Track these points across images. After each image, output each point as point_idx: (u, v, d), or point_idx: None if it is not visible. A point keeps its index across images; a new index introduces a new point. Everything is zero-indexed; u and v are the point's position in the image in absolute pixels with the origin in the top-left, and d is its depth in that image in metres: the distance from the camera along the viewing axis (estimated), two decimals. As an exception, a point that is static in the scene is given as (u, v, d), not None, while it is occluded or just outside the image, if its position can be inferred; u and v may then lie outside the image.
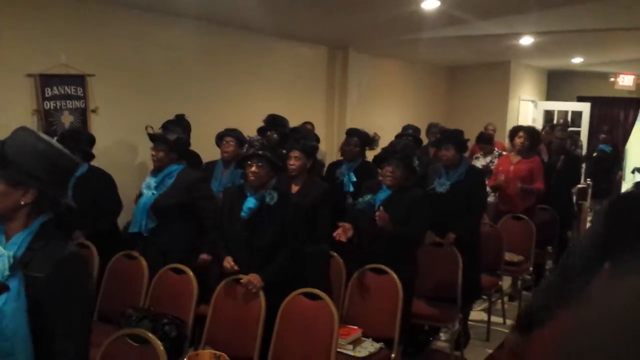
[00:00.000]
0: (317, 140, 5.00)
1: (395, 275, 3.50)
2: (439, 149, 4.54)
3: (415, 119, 7.05)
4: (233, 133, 4.59)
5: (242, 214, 3.27)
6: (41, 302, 1.60)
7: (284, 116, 5.19)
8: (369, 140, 4.94)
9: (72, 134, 4.03)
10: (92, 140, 4.14)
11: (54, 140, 1.75)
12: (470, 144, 6.65)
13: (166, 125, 4.26)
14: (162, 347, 2.36)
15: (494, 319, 4.82)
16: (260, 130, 4.87)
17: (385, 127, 6.09)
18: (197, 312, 3.38)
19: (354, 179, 4.75)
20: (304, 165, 3.90)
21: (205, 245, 3.72)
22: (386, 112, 7.86)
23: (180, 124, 4.45)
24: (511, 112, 9.40)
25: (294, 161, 3.87)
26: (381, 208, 3.48)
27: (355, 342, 3.32)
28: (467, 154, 5.68)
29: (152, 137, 3.83)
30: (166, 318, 3.23)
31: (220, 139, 4.64)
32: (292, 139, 4.09)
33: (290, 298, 3.09)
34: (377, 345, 3.37)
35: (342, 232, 3.50)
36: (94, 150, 4.10)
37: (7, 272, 1.58)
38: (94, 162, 4.05)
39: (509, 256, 5.08)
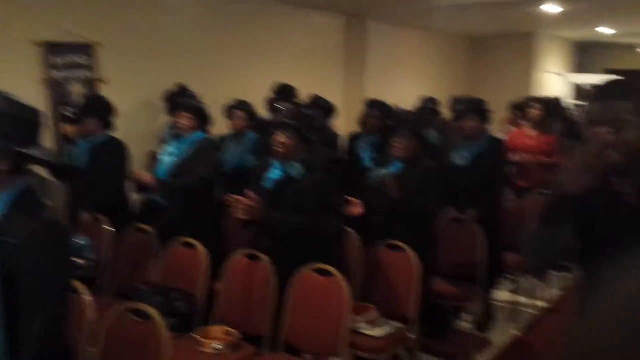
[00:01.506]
0: (329, 109, 4.82)
1: (412, 253, 3.35)
2: (463, 119, 4.34)
3: (436, 91, 6.83)
4: (243, 106, 4.44)
5: (266, 185, 3.14)
6: (14, 270, 1.51)
7: (300, 87, 5.02)
8: (390, 112, 4.76)
9: (93, 100, 4.08)
10: (111, 109, 4.09)
11: (7, 93, 1.62)
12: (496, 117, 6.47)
13: (169, 97, 4.15)
14: (163, 322, 2.24)
15: (520, 299, 4.66)
16: (270, 101, 4.71)
17: (406, 99, 5.89)
18: (210, 288, 3.29)
19: (373, 154, 4.58)
20: None
21: None
22: (406, 83, 7.64)
23: (183, 94, 4.32)
24: (535, 85, 9.10)
25: None
26: (390, 175, 3.33)
27: (372, 321, 3.19)
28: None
29: (178, 104, 3.75)
30: (177, 293, 3.14)
31: (229, 111, 4.50)
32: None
33: (301, 274, 2.96)
34: (395, 325, 3.23)
35: (352, 208, 3.35)
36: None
37: None
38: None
39: (533, 234, 4.88)
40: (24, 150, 1.59)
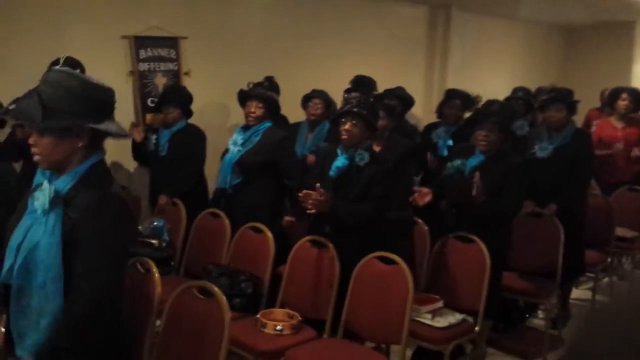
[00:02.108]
0: (409, 101, 4.75)
1: (482, 245, 3.26)
2: (548, 109, 4.13)
3: (525, 83, 6.54)
4: (320, 94, 4.49)
5: (331, 172, 3.16)
6: (74, 238, 1.62)
7: (380, 79, 4.99)
8: (470, 102, 4.63)
9: (174, 90, 4.29)
10: (191, 98, 4.28)
11: (81, 73, 1.74)
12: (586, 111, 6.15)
13: (255, 87, 4.25)
14: (225, 300, 2.32)
15: (599, 297, 4.40)
16: (346, 92, 4.72)
17: (492, 91, 5.67)
18: (275, 272, 3.37)
19: (451, 143, 4.48)
20: (386, 125, 3.71)
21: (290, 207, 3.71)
22: (492, 75, 7.37)
23: (270, 85, 4.43)
24: (636, 78, 8.48)
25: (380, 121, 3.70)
26: (477, 174, 3.21)
27: (435, 312, 3.14)
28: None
29: (249, 93, 3.85)
30: (244, 275, 3.24)
31: (307, 100, 4.56)
32: (376, 98, 3.93)
33: (365, 261, 2.97)
34: (459, 317, 3.16)
35: (419, 197, 3.29)
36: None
37: (47, 206, 1.63)
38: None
39: (621, 231, 4.60)
40: (98, 127, 1.69)
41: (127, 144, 4.16)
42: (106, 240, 1.65)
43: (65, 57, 3.47)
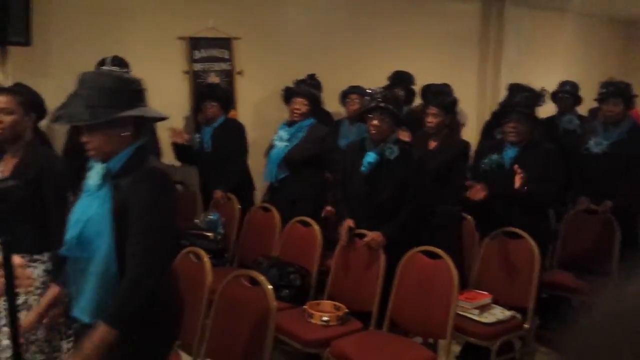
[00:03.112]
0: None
1: (532, 241, 3.22)
2: (605, 103, 4.03)
3: (582, 77, 6.36)
4: (357, 90, 4.53)
5: (362, 168, 3.21)
6: (123, 208, 1.78)
7: (431, 76, 4.98)
8: (535, 97, 4.53)
9: (211, 86, 4.44)
10: (227, 94, 4.45)
11: (109, 68, 1.88)
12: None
13: (299, 84, 4.35)
14: (271, 289, 2.41)
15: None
16: (386, 89, 4.74)
17: (547, 86, 5.56)
18: (323, 265, 3.45)
19: None
20: (442, 121, 3.71)
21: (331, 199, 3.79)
22: (547, 70, 7.19)
23: (312, 83, 4.50)
24: None
25: (432, 118, 3.70)
26: (516, 166, 3.20)
27: (483, 308, 3.13)
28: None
29: (295, 91, 3.96)
30: (292, 267, 3.33)
31: (344, 97, 4.63)
32: (430, 95, 3.94)
33: (410, 255, 2.99)
34: (508, 313, 3.14)
35: (474, 192, 3.28)
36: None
37: (98, 182, 1.81)
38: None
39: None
40: (136, 114, 1.85)
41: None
42: (153, 207, 1.79)
43: (112, 56, 3.65)
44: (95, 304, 1.79)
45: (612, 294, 0.73)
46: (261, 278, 2.47)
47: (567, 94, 5.00)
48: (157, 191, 1.81)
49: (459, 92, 5.20)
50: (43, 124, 3.02)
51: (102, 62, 3.61)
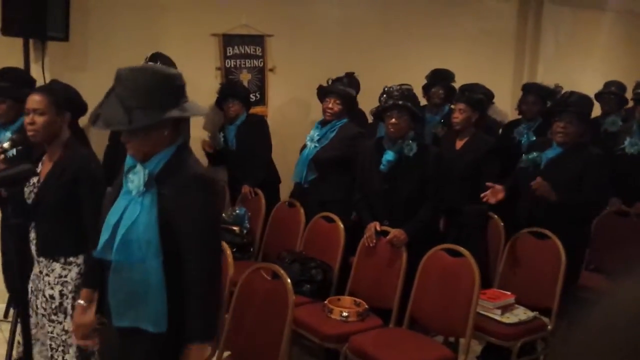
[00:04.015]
0: (489, 96, 4.65)
1: (558, 241, 3.17)
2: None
3: (623, 77, 6.19)
4: None
5: (381, 167, 3.21)
6: (170, 216, 1.75)
7: (467, 74, 4.91)
8: (549, 94, 4.46)
9: (231, 84, 4.52)
10: (248, 91, 4.50)
11: (147, 65, 1.84)
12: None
13: (334, 83, 4.35)
14: (290, 283, 2.45)
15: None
16: (425, 87, 4.71)
17: (586, 86, 5.43)
18: (347, 262, 3.47)
19: (534, 139, 4.35)
20: (469, 118, 3.67)
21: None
22: (586, 69, 7.03)
23: (350, 82, 4.51)
24: None
25: (458, 114, 3.67)
26: (538, 179, 3.13)
27: (505, 308, 3.10)
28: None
29: (329, 89, 3.97)
30: (314, 262, 3.36)
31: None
32: (458, 92, 3.90)
33: (432, 253, 2.99)
34: (531, 314, 3.10)
35: (491, 195, 3.22)
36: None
37: (142, 188, 1.75)
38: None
39: None
40: (177, 115, 1.78)
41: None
42: (205, 216, 1.78)
43: (152, 53, 3.73)
44: (138, 311, 1.78)
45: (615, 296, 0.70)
46: (281, 272, 2.51)
47: (612, 94, 4.86)
48: (206, 201, 1.78)
49: (494, 91, 5.13)
50: (83, 121, 3.11)
51: (153, 58, 3.70)
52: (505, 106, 6.06)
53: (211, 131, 4.65)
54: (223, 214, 4.12)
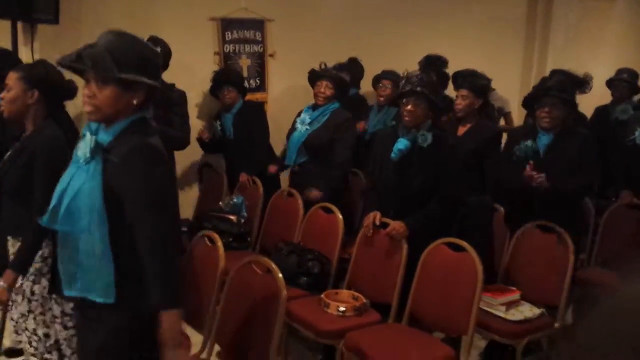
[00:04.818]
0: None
1: (566, 235, 3.04)
2: None
3: (636, 66, 6.01)
4: (390, 75, 4.38)
5: (392, 155, 3.05)
6: (115, 184, 1.70)
7: (474, 61, 4.76)
8: (578, 83, 4.28)
9: (226, 71, 4.35)
10: (242, 78, 4.38)
11: (131, 33, 1.77)
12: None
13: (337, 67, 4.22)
14: (281, 277, 2.32)
15: None
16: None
17: (596, 74, 5.25)
18: (346, 253, 3.35)
19: None
20: (471, 104, 3.54)
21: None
22: (598, 57, 6.84)
23: (353, 67, 4.37)
24: None
25: (461, 100, 3.55)
26: (528, 167, 3.04)
27: (510, 304, 2.97)
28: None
29: (320, 74, 3.87)
30: (311, 254, 3.23)
31: (376, 81, 4.48)
32: (459, 78, 3.76)
33: (433, 247, 2.85)
34: (537, 311, 2.97)
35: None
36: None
37: (88, 155, 1.72)
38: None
39: None
40: (155, 84, 1.76)
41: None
42: (150, 185, 1.70)
43: (149, 37, 3.59)
44: (85, 281, 1.74)
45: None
46: (273, 266, 2.39)
47: (624, 82, 4.71)
48: (151, 170, 1.72)
49: (503, 79, 4.98)
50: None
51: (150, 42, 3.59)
52: (514, 95, 5.90)
53: (207, 119, 4.53)
54: (221, 203, 4.01)
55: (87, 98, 1.72)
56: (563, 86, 3.13)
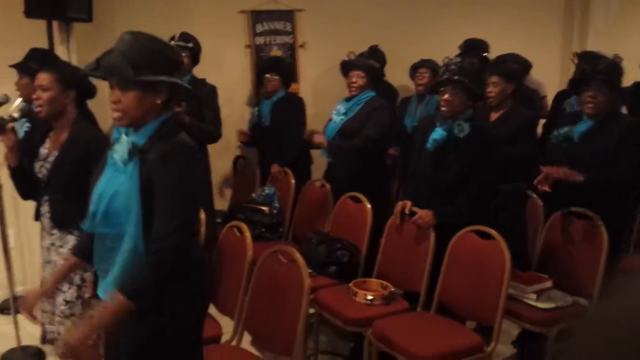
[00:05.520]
0: (526, 65, 4.39)
1: (600, 222, 2.96)
2: None
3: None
4: (427, 63, 4.32)
5: (428, 145, 3.01)
6: (151, 184, 1.72)
7: (510, 45, 4.66)
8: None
9: (274, 59, 4.41)
10: (290, 69, 4.38)
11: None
12: None
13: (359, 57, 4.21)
14: (305, 267, 2.36)
15: None
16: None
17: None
18: (376, 242, 3.36)
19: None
20: (504, 90, 3.47)
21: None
22: (641, 39, 6.58)
23: (374, 55, 4.34)
24: None
25: (492, 87, 3.47)
26: (545, 168, 2.93)
27: (542, 292, 2.92)
28: None
29: (351, 63, 3.85)
30: (341, 244, 3.26)
31: (414, 70, 4.42)
32: (491, 63, 3.68)
33: (461, 235, 2.83)
34: (570, 299, 2.92)
35: (542, 179, 2.99)
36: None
37: (125, 157, 1.75)
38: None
39: None
40: (177, 82, 1.79)
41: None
42: (179, 185, 1.73)
43: (180, 33, 3.66)
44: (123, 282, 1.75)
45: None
46: (296, 256, 2.42)
47: None
48: (183, 167, 1.74)
49: (541, 63, 4.85)
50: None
51: (172, 38, 3.66)
52: (553, 79, 5.75)
53: (239, 113, 4.59)
54: (253, 194, 4.07)
55: (113, 105, 1.74)
56: (612, 70, 3.00)
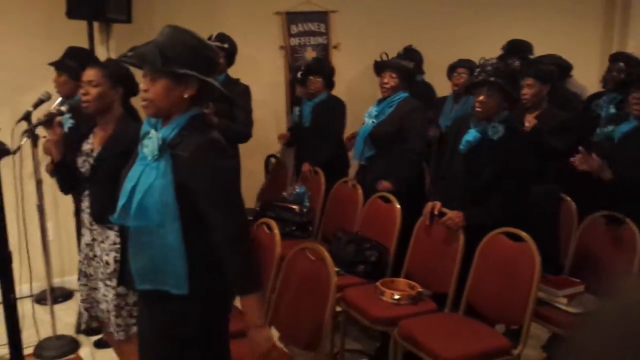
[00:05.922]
0: (565, 67, 4.32)
1: (634, 226, 2.90)
2: None
3: None
4: (466, 63, 4.28)
5: (461, 147, 2.99)
6: (186, 179, 1.76)
7: (546, 43, 4.59)
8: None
9: (318, 61, 4.41)
10: (333, 71, 4.39)
11: (193, 31, 1.83)
12: None
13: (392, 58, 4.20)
14: (332, 264, 2.38)
15: None
16: (499, 59, 4.42)
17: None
18: (406, 242, 3.35)
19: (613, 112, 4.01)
20: (539, 92, 3.43)
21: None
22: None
23: (409, 54, 4.33)
24: None
25: (527, 89, 3.43)
26: (580, 150, 2.86)
27: (573, 296, 2.88)
28: None
29: (384, 64, 3.85)
30: (369, 243, 3.27)
31: (451, 70, 4.38)
32: (525, 65, 3.64)
33: (490, 236, 2.81)
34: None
35: (581, 159, 2.94)
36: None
37: (156, 152, 1.77)
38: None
39: None
40: (209, 79, 1.81)
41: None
42: (221, 180, 1.78)
43: (217, 34, 3.74)
44: (160, 274, 1.81)
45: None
46: (325, 254, 2.45)
47: None
48: (221, 165, 1.78)
49: (580, 62, 4.77)
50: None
51: (209, 39, 3.74)
52: (593, 79, 5.63)
53: (272, 114, 4.64)
54: (284, 193, 4.12)
55: (142, 92, 1.80)
56: None
